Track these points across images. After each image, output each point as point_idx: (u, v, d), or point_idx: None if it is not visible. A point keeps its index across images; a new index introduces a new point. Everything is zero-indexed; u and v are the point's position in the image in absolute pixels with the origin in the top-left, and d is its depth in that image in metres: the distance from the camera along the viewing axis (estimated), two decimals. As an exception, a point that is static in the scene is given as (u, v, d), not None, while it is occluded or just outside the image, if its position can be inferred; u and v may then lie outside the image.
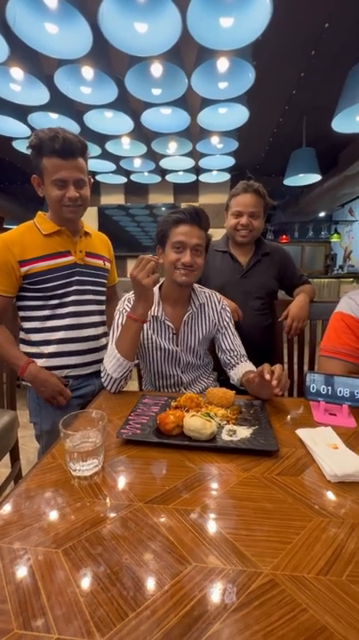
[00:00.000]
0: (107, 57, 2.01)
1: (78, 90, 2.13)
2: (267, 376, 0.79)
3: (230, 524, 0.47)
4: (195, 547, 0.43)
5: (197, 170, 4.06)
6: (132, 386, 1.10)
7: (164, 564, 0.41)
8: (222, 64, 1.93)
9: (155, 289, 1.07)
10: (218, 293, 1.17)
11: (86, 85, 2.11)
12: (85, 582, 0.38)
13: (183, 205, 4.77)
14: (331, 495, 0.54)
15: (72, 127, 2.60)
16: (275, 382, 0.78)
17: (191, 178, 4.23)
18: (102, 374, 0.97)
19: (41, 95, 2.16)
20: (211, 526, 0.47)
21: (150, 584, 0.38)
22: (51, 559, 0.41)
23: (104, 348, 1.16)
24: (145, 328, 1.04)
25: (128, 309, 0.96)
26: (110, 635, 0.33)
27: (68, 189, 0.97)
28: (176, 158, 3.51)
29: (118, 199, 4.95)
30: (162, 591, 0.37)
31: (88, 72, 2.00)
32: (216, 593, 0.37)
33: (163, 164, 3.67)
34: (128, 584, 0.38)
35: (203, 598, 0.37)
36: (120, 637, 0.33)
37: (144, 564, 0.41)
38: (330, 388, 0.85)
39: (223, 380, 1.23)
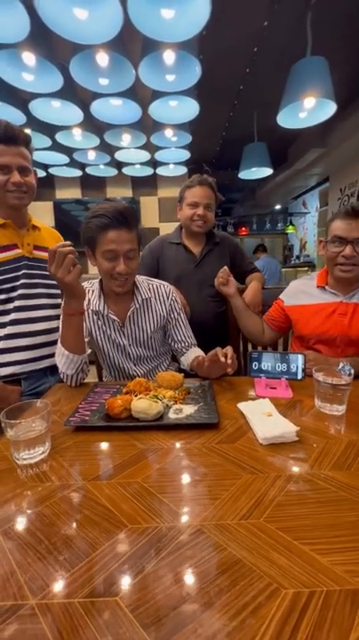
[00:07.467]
0: (49, 43, 1.92)
1: (19, 76, 2.02)
2: (222, 359, 0.85)
3: (167, 489, 0.51)
4: (132, 512, 0.47)
5: (154, 163, 4.04)
6: (93, 377, 1.09)
7: (101, 530, 0.44)
8: (168, 56, 1.94)
9: (96, 282, 1.07)
10: (168, 285, 1.14)
11: (28, 72, 2.01)
12: (22, 555, 0.40)
13: (142, 199, 4.75)
14: (260, 455, 0.60)
15: (16, 116, 2.47)
16: (229, 361, 0.85)
17: (148, 171, 4.20)
18: (59, 372, 0.96)
19: (-22, 81, 2.02)
20: (149, 493, 0.51)
21: (85, 548, 0.41)
22: (-11, 540, 0.42)
23: None
24: (92, 320, 1.04)
25: None
26: (43, 594, 0.35)
27: (12, 174, 0.97)
28: (131, 151, 3.46)
29: (74, 193, 4.78)
30: (97, 552, 0.40)
31: (29, 58, 1.91)
32: (148, 546, 0.41)
33: (119, 156, 3.60)
34: (64, 551, 0.41)
35: (135, 552, 0.40)
36: (52, 596, 0.35)
37: (82, 532, 0.43)
38: (269, 364, 0.93)
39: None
